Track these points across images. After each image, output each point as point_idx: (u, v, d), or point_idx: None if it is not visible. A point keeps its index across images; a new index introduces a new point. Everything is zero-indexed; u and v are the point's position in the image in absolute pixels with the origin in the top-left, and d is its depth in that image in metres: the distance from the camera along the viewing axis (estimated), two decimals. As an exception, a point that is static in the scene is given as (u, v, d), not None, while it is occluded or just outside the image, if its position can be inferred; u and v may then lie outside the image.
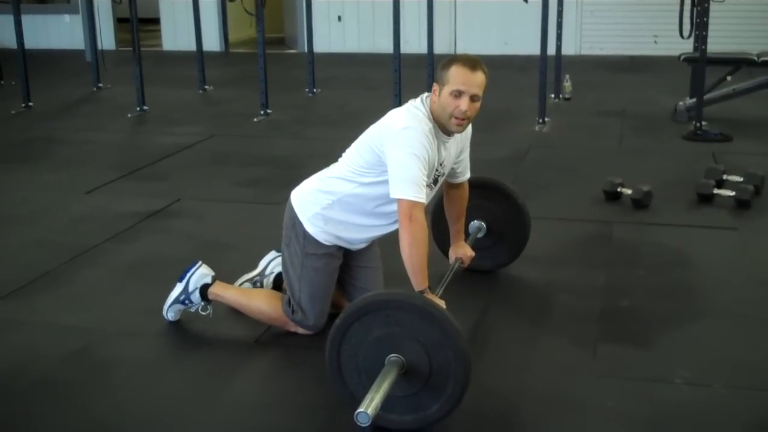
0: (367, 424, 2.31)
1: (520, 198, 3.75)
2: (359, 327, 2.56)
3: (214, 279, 3.35)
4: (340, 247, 3.17)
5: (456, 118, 2.96)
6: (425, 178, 2.91)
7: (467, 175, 3.42)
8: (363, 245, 3.24)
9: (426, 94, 3.08)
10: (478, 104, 3.00)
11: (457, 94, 2.94)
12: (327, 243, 3.13)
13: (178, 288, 3.33)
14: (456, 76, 2.94)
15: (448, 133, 3.07)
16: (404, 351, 2.52)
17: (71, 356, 3.13)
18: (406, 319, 2.51)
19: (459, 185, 3.43)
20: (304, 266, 3.13)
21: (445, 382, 2.52)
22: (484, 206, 3.73)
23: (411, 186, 2.86)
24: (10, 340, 3.30)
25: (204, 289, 3.31)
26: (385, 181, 2.95)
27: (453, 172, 3.33)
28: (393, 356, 2.52)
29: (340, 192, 3.08)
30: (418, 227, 2.87)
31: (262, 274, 3.55)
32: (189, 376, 3.01)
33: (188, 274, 3.33)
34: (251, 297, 3.34)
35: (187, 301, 3.33)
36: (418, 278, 2.89)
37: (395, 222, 3.02)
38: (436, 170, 3.07)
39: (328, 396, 2.81)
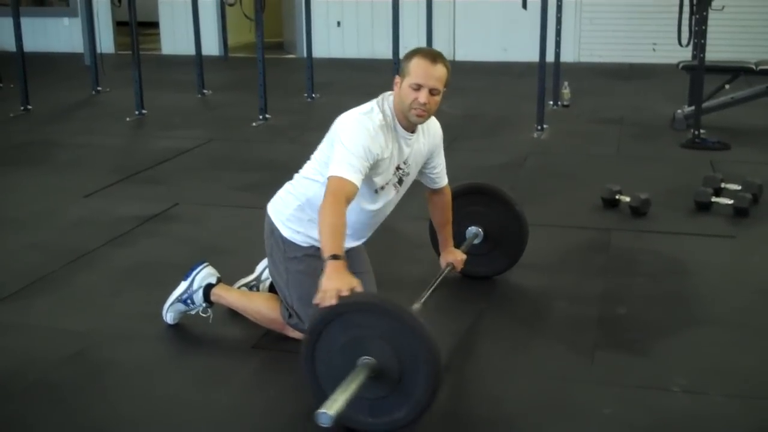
0: (328, 425, 2.28)
1: (519, 206, 3.75)
2: (337, 327, 2.53)
3: (218, 280, 3.36)
4: (319, 248, 3.17)
5: (415, 109, 2.97)
6: (361, 164, 2.87)
7: (445, 180, 3.41)
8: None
9: (390, 92, 3.09)
10: (438, 97, 2.99)
11: (417, 87, 2.95)
12: (305, 245, 3.12)
13: (182, 286, 3.34)
14: (416, 68, 2.96)
15: (412, 129, 3.07)
16: (377, 355, 2.50)
17: (68, 359, 3.13)
18: (380, 325, 2.50)
19: (440, 191, 3.43)
20: (288, 271, 3.13)
21: (415, 385, 2.50)
22: (482, 212, 3.74)
23: (346, 166, 2.84)
24: (7, 343, 3.30)
25: (207, 290, 3.31)
26: None
27: (429, 179, 3.35)
28: (365, 358, 2.51)
29: (309, 192, 3.08)
30: (332, 202, 2.78)
31: (258, 279, 3.56)
32: (186, 380, 3.01)
33: (194, 273, 3.35)
34: (252, 299, 3.35)
35: (189, 301, 3.33)
36: (324, 245, 2.73)
37: (369, 218, 3.09)
38: (399, 168, 3.07)
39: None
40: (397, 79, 3.02)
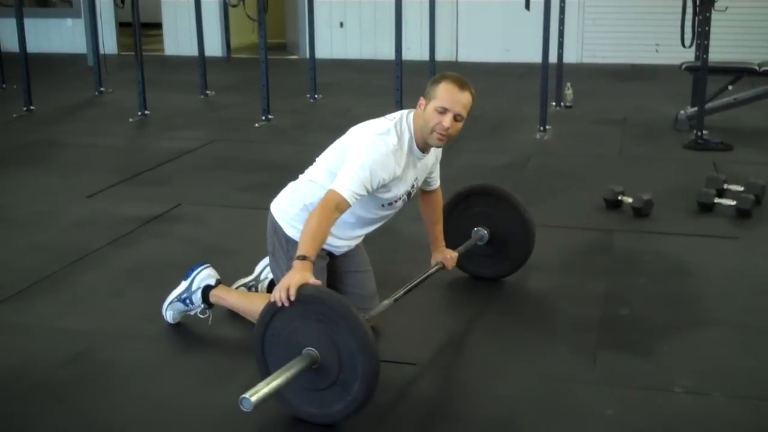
0: (248, 410, 2.33)
1: (527, 211, 3.72)
2: (283, 316, 2.60)
3: (218, 282, 3.36)
4: (322, 248, 3.18)
5: (438, 133, 2.99)
6: (364, 188, 2.91)
7: (438, 183, 3.44)
8: (344, 248, 3.26)
9: (409, 110, 3.13)
10: (460, 124, 3.03)
11: (442, 111, 2.98)
12: None
13: (182, 286, 3.35)
14: (443, 93, 2.99)
15: (425, 150, 3.11)
16: (320, 348, 2.55)
17: (71, 359, 3.13)
18: (332, 320, 2.54)
19: (432, 192, 3.46)
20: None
21: (352, 384, 2.54)
22: (489, 214, 3.72)
23: (346, 185, 2.89)
24: (10, 342, 3.31)
25: (206, 291, 3.32)
26: None
27: (426, 183, 3.38)
28: (309, 349, 2.56)
29: (314, 197, 3.09)
30: (323, 213, 2.84)
31: (257, 279, 3.57)
32: (188, 380, 3.01)
33: (193, 273, 3.36)
34: (252, 300, 3.35)
35: (188, 301, 3.33)
36: (301, 245, 2.80)
37: (369, 222, 3.16)
38: (413, 186, 3.15)
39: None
40: (422, 100, 3.04)
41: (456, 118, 2.99)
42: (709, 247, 4.30)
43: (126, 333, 3.36)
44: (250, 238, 4.37)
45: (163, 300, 3.37)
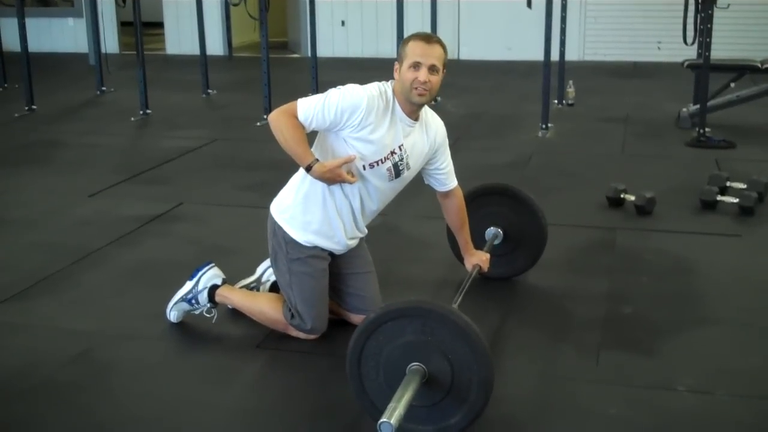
0: None
1: (536, 202, 3.71)
2: (393, 326, 2.51)
3: (224, 281, 3.36)
4: (323, 249, 3.17)
5: (415, 89, 2.99)
6: (322, 115, 2.98)
7: (454, 182, 3.37)
8: (343, 247, 3.21)
9: (392, 80, 3.11)
10: (437, 77, 3.01)
11: (416, 66, 2.98)
12: (308, 245, 3.12)
13: (187, 286, 3.35)
14: (413, 49, 3.01)
15: (415, 116, 3.08)
16: (429, 362, 2.48)
17: (73, 359, 3.13)
18: (441, 333, 2.47)
19: (451, 194, 3.39)
20: (291, 272, 3.13)
21: (462, 402, 2.48)
22: (500, 212, 3.71)
23: (308, 101, 3.00)
24: (12, 342, 3.30)
25: (212, 291, 3.32)
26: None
27: (437, 180, 3.32)
28: (415, 365, 2.49)
29: (304, 185, 3.11)
30: (279, 116, 2.99)
31: (258, 280, 3.56)
32: (190, 380, 3.01)
33: (199, 273, 3.35)
34: (255, 299, 3.35)
35: (193, 301, 3.33)
36: (298, 154, 2.99)
37: (356, 206, 3.14)
38: (394, 153, 3.06)
39: (329, 401, 2.82)
40: (396, 65, 3.06)
41: (431, 70, 2.98)
42: (712, 244, 4.29)
43: (129, 332, 3.36)
44: (251, 238, 4.37)
45: (168, 300, 3.37)
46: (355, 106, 2.97)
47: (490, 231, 3.70)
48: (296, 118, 2.97)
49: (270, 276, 3.49)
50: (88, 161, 6.21)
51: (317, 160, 2.97)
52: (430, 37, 3.06)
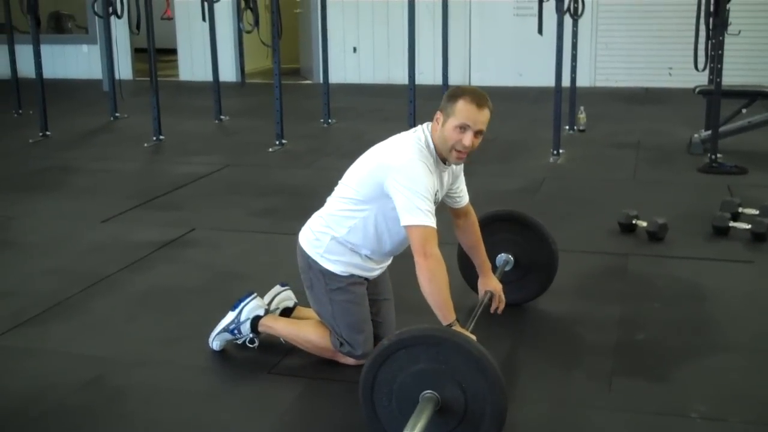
0: None
1: (546, 228, 3.71)
2: (406, 354, 2.52)
3: (266, 312, 3.36)
4: (359, 276, 3.18)
5: (457, 151, 2.98)
6: (432, 207, 2.91)
7: (466, 199, 3.37)
8: (377, 272, 3.23)
9: (427, 123, 3.08)
10: (479, 139, 3.00)
11: (463, 128, 2.95)
12: (345, 274, 3.13)
13: (230, 316, 3.34)
14: (463, 110, 2.95)
15: (445, 162, 3.08)
16: (442, 390, 2.48)
17: (86, 385, 3.13)
18: (455, 362, 2.47)
19: (464, 214, 3.39)
20: (333, 302, 3.13)
21: (475, 430, 2.48)
22: (510, 239, 3.70)
23: (420, 212, 2.86)
24: (25, 368, 3.31)
25: (255, 321, 3.31)
26: (388, 213, 2.99)
27: (452, 199, 3.32)
28: (428, 392, 2.49)
29: (342, 227, 3.09)
30: (434, 263, 2.87)
31: (266, 309, 3.55)
32: (203, 406, 3.01)
33: (242, 304, 3.35)
34: (300, 328, 3.32)
35: (236, 331, 3.33)
36: (444, 312, 2.88)
37: (399, 239, 3.08)
38: (436, 193, 3.07)
39: (344, 427, 2.81)
40: (439, 115, 3.00)
41: (476, 134, 2.97)
42: (725, 271, 4.28)
43: (141, 358, 3.36)
44: (263, 263, 4.38)
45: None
46: (428, 178, 2.93)
47: (501, 257, 3.70)
48: (437, 248, 2.89)
49: (279, 304, 3.48)
50: (101, 187, 6.24)
51: (458, 320, 2.90)
52: (481, 101, 2.97)
